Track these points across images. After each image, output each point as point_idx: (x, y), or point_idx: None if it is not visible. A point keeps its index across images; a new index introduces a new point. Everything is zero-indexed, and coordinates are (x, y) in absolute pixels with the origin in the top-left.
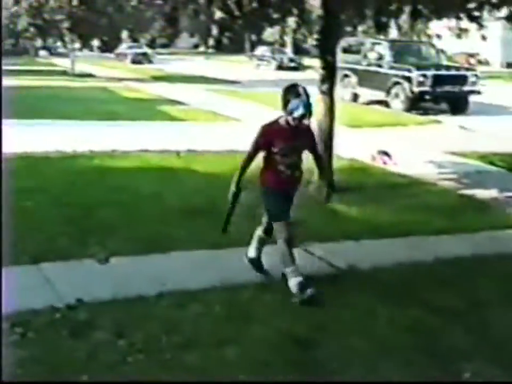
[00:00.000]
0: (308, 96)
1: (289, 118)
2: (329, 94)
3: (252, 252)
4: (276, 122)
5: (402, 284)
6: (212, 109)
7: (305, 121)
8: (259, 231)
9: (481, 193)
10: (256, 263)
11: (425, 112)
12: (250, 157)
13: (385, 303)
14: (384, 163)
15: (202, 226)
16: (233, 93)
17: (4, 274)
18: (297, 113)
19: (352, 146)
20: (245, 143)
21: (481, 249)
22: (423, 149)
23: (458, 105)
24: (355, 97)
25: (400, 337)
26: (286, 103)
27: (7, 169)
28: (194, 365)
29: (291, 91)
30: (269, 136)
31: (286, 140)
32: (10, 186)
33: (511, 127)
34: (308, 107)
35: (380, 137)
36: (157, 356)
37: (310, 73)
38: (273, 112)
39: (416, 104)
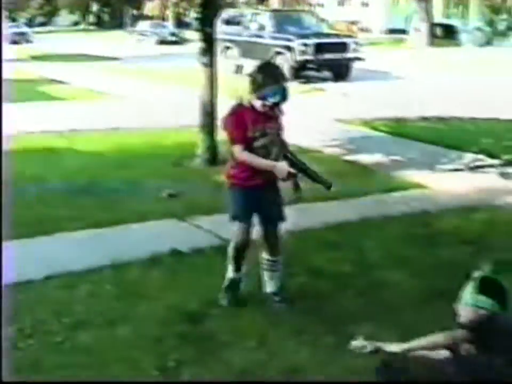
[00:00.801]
0: (284, 79)
1: (259, 103)
2: (209, 66)
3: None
4: (241, 105)
5: (290, 251)
6: (94, 87)
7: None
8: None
9: (366, 158)
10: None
11: (308, 80)
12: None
13: None
14: None
15: (86, 206)
16: (115, 70)
17: None
18: (273, 100)
19: None
20: (129, 120)
21: (367, 213)
22: (307, 117)
23: (340, 72)
24: (239, 69)
25: (290, 303)
26: (259, 86)
27: None
28: (87, 345)
29: (266, 73)
30: (243, 119)
31: (254, 124)
32: None
33: (393, 93)
34: (285, 93)
35: None
36: (47, 339)
37: (192, 47)
38: (157, 87)
39: (299, 73)
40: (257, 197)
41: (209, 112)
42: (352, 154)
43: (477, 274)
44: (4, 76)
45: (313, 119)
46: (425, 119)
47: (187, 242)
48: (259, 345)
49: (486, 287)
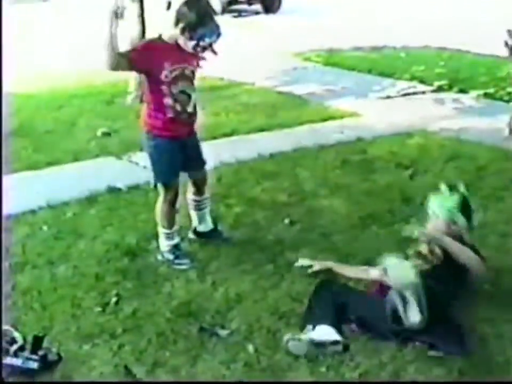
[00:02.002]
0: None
1: (191, 43)
2: (139, 1)
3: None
4: (160, 39)
5: (226, 183)
6: None
7: None
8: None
9: (299, 89)
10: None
11: (239, 14)
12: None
13: (212, 202)
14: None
15: (21, 148)
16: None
17: None
18: (209, 40)
19: None
20: (60, 60)
21: (302, 143)
22: (238, 51)
23: (271, 5)
24: (169, 5)
25: (228, 234)
26: (191, 25)
27: None
28: (27, 287)
29: (198, 10)
30: (149, 54)
31: (174, 63)
32: None
33: (326, 23)
34: (219, 31)
35: None
36: None
37: None
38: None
39: (229, 6)
40: (180, 149)
41: None
42: (285, 85)
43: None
44: None
45: (244, 52)
46: (358, 48)
47: (124, 180)
48: (201, 276)
49: (463, 205)
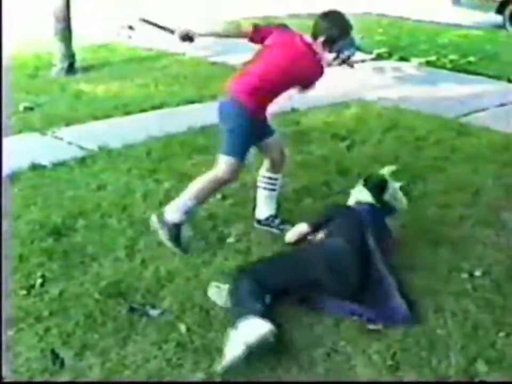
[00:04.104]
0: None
1: (331, 56)
2: None
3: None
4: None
5: (155, 157)
6: None
7: None
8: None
9: (233, 59)
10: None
11: None
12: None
13: (140, 178)
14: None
15: None
16: None
17: None
18: (348, 53)
19: (94, 23)
20: None
21: None
22: (169, 18)
23: None
24: None
25: (156, 211)
26: (334, 39)
27: None
28: None
29: (340, 25)
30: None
31: None
32: None
33: None
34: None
35: (122, 10)
36: None
37: None
38: None
39: None
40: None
41: (63, 17)
42: (218, 56)
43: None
44: None
45: (174, 20)
46: (294, 15)
47: (48, 156)
48: (130, 255)
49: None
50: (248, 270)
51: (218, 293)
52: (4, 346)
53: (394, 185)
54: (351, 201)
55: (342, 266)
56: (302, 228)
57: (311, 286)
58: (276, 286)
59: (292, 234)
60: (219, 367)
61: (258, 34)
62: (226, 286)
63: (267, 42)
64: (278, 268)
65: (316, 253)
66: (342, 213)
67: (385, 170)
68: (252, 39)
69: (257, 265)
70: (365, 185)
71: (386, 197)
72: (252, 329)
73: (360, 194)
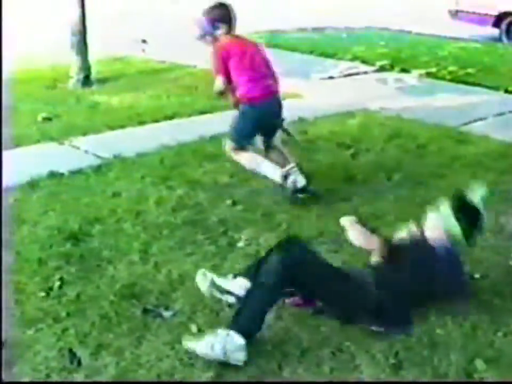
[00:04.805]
0: None
1: None
2: None
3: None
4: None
5: (167, 165)
6: None
7: None
8: None
9: None
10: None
11: None
12: None
13: (153, 185)
14: (143, 51)
15: None
16: None
17: None
18: None
19: (110, 37)
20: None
21: None
22: (181, 32)
23: None
24: None
25: (170, 216)
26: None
27: None
28: None
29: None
30: None
31: None
32: None
33: (268, 4)
34: None
35: (135, 25)
36: None
37: None
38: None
39: None
40: None
41: (79, 32)
42: None
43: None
44: None
45: (186, 34)
46: (300, 30)
47: (66, 164)
48: (144, 259)
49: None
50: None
51: (204, 280)
52: (4, 346)
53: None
54: (429, 225)
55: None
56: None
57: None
58: (306, 292)
59: (354, 233)
60: (189, 343)
61: (225, 72)
62: (211, 276)
63: (227, 56)
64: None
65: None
66: (415, 243)
67: (476, 192)
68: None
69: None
70: (454, 210)
71: (476, 232)
72: (231, 348)
73: (447, 221)
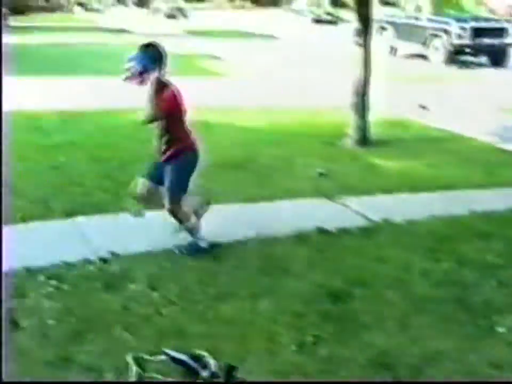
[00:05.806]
0: None
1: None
2: (364, 46)
3: None
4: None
5: (436, 237)
6: (249, 63)
7: None
8: None
9: None
10: None
11: (465, 65)
12: None
13: (420, 255)
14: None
15: (240, 180)
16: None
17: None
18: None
19: (390, 100)
20: (282, 98)
21: None
22: (464, 103)
23: (498, 58)
24: (393, 51)
25: (434, 290)
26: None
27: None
28: (228, 316)
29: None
30: None
31: None
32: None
33: None
34: None
35: (418, 91)
36: (190, 307)
37: (347, 26)
38: (311, 67)
39: (455, 57)
40: None
41: (361, 93)
42: (507, 143)
43: None
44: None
45: (468, 106)
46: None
47: (334, 222)
48: (401, 329)
49: None
50: None
51: None
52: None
53: None
54: None
55: None
56: None
57: None
58: None
59: None
60: None
61: None
62: None
63: None
64: None
65: None
66: None
67: None
68: None
69: None
70: None
71: None
72: None
73: None
